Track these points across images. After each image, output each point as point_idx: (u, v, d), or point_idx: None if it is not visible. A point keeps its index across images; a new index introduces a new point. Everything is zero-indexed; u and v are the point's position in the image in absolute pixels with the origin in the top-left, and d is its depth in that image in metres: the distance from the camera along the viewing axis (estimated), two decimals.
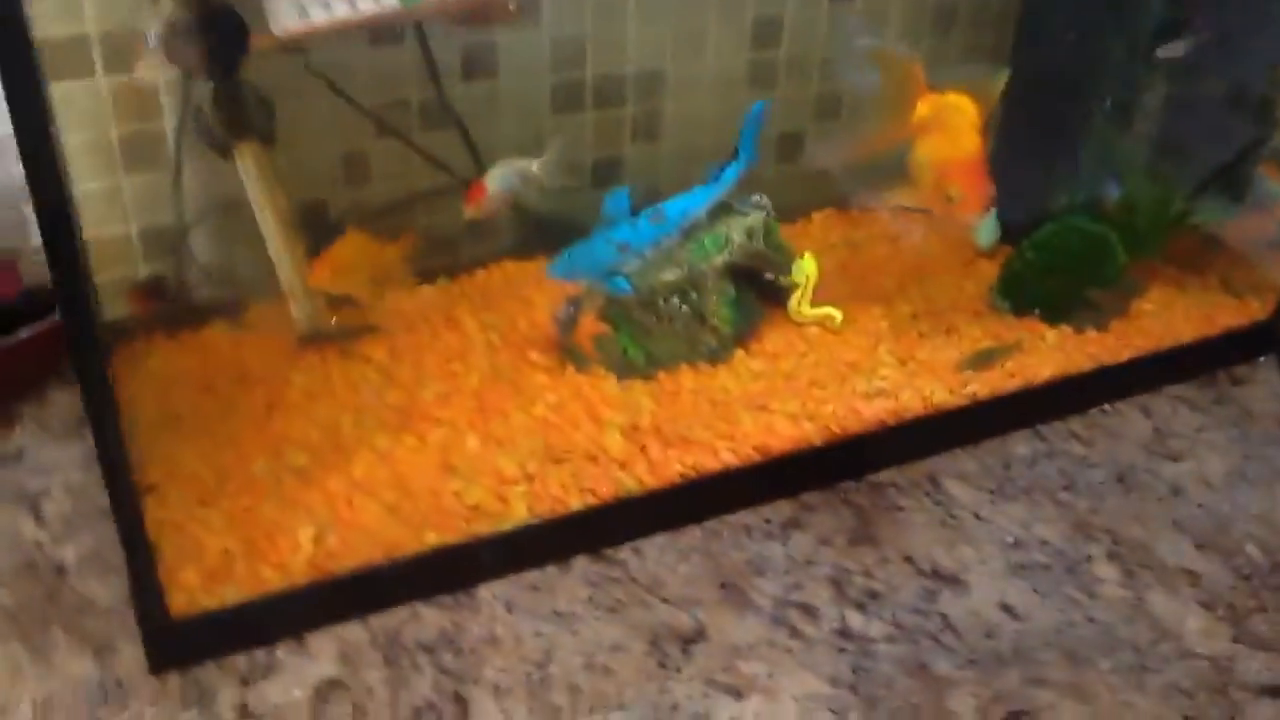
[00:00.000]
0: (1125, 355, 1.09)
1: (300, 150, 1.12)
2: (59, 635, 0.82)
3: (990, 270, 1.16)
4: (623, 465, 0.92)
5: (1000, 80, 0.99)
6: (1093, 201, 1.12)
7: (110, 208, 1.11)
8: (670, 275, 1.01)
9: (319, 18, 0.70)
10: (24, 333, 1.00)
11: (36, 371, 1.05)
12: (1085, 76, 1.11)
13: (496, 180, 0.98)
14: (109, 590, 0.86)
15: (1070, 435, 1.06)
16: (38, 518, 0.92)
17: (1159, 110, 1.15)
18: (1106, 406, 1.09)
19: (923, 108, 0.98)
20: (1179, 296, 1.16)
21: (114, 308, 1.11)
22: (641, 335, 1.02)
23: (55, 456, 0.98)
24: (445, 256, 1.18)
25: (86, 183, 1.09)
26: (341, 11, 0.69)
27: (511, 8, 0.81)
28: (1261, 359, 1.16)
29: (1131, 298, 1.14)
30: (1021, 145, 1.15)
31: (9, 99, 0.60)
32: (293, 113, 1.08)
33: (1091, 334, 1.10)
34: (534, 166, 0.97)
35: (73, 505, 0.93)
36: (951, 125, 0.97)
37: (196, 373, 1.02)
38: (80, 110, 1.06)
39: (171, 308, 1.09)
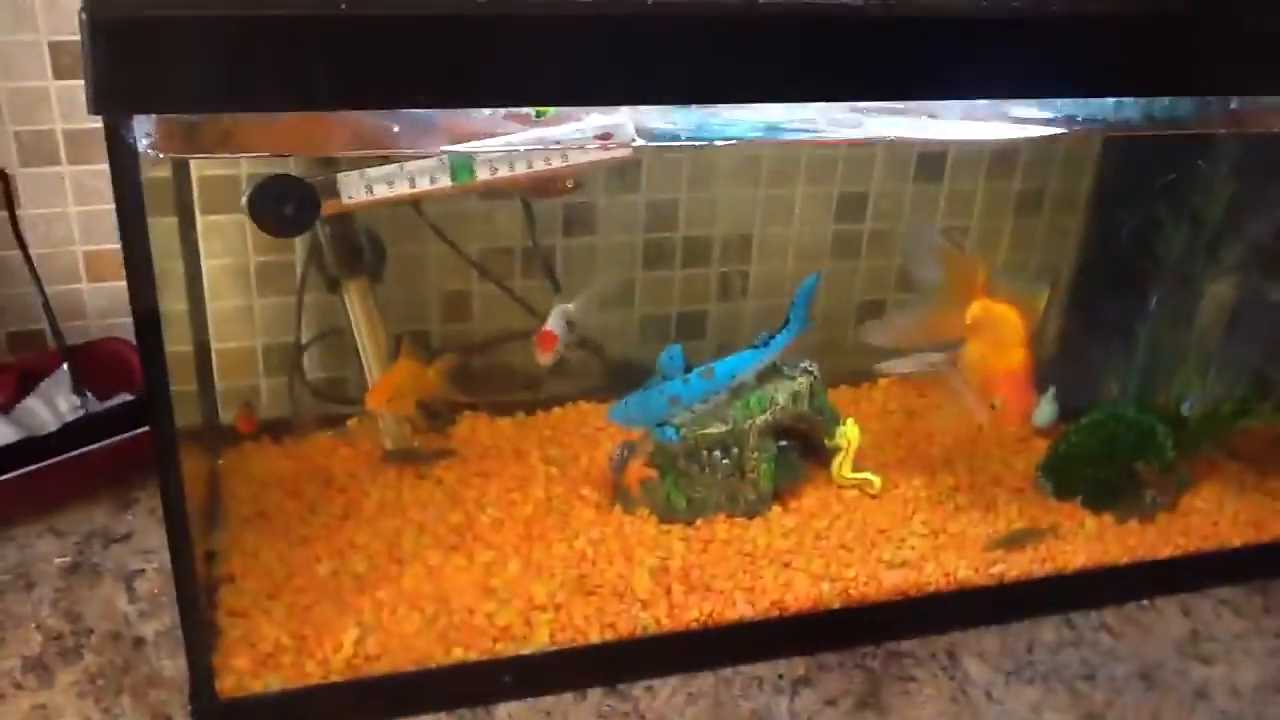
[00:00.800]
0: (1165, 551, 1.09)
1: (411, 287, 1.26)
2: (127, 701, 0.93)
3: (1042, 449, 1.18)
4: (645, 605, 0.99)
5: (1043, 296, 1.02)
6: (1146, 393, 1.14)
7: (242, 324, 1.26)
8: (715, 429, 1.08)
9: (381, 193, 0.82)
10: (146, 428, 1.14)
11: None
12: (1146, 270, 1.14)
13: (557, 325, 1.08)
14: (176, 666, 0.96)
15: (1102, 626, 1.06)
16: (131, 594, 1.04)
17: (1224, 309, 1.17)
18: (1146, 601, 1.09)
19: (975, 309, 1.02)
20: (1234, 496, 1.16)
21: (233, 413, 1.26)
22: (685, 483, 1.08)
23: (157, 540, 1.10)
24: (527, 394, 1.28)
25: (226, 300, 1.24)
26: (401, 188, 0.81)
27: (569, 184, 0.91)
28: None
29: (1182, 492, 1.14)
30: (1083, 330, 1.18)
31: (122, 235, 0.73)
32: (408, 254, 1.22)
33: (1134, 525, 1.11)
34: (571, 307, 1.08)
35: (162, 585, 1.05)
36: (999, 335, 1.01)
37: (290, 477, 1.14)
38: (227, 239, 1.21)
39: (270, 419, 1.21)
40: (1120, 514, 1.12)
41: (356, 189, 0.81)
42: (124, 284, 1.26)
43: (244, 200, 0.83)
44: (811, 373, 1.10)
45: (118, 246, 1.28)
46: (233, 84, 0.68)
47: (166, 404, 0.77)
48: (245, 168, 1.19)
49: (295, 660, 0.93)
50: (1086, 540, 1.09)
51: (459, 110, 0.73)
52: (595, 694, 0.96)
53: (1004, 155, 1.34)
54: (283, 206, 0.81)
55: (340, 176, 0.82)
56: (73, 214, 1.25)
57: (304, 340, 1.23)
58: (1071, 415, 1.18)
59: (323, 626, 0.95)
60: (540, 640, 0.96)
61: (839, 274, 1.36)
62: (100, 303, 1.30)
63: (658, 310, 1.34)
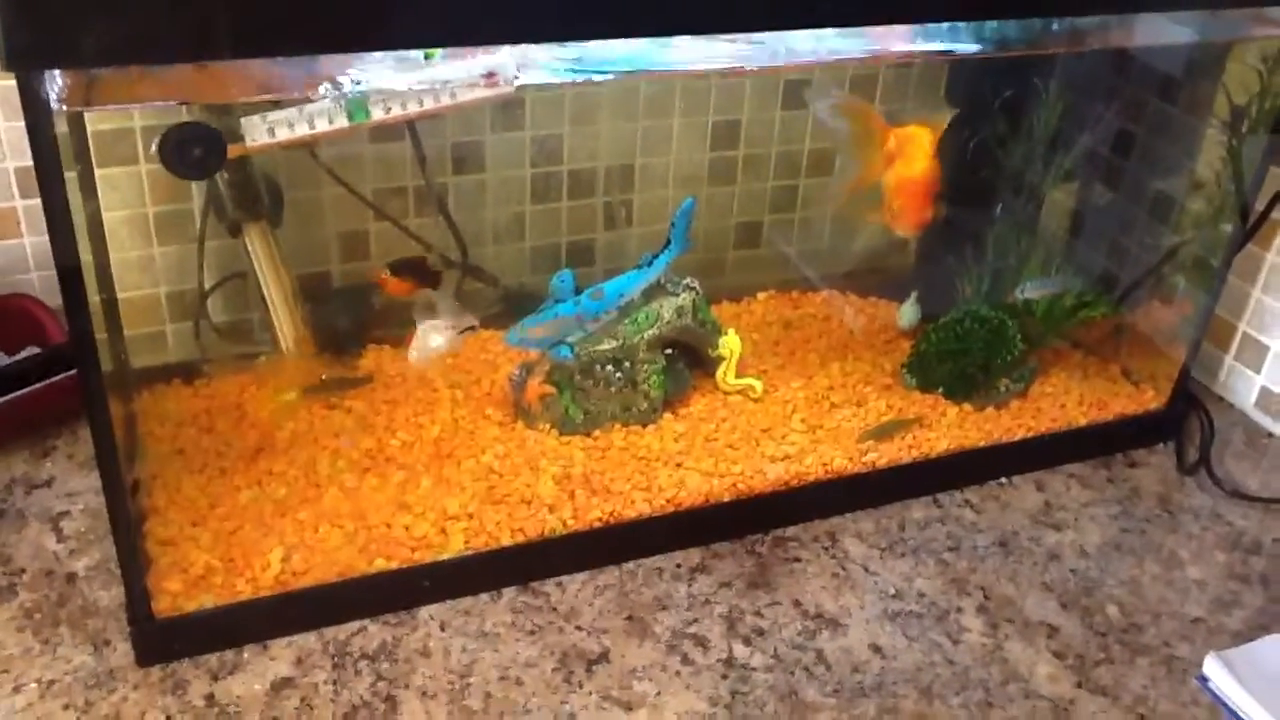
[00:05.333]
0: (1019, 434, 1.21)
1: (309, 229, 1.30)
2: (65, 631, 0.98)
3: (907, 349, 1.29)
4: (551, 509, 1.07)
5: (946, 116, 1.11)
6: (996, 293, 1.25)
7: (144, 273, 1.29)
8: (607, 346, 1.16)
9: (283, 135, 0.87)
10: (59, 377, 1.17)
11: (68, 411, 1.22)
12: (993, 183, 1.25)
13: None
14: (110, 596, 1.01)
15: (965, 503, 1.18)
16: (59, 534, 1.08)
17: (1063, 213, 1.28)
18: (1004, 479, 1.21)
19: (891, 141, 1.11)
20: (1079, 382, 1.28)
21: (143, 357, 1.29)
22: (582, 397, 1.16)
23: (79, 484, 1.14)
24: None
25: (126, 251, 1.27)
26: (301, 130, 0.86)
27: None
28: (1161, 445, 1.28)
29: (1032, 380, 1.26)
30: (940, 241, 1.28)
31: (41, 188, 0.77)
32: (305, 197, 1.26)
33: (990, 412, 1.23)
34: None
35: (88, 525, 1.09)
36: (908, 152, 1.10)
37: (202, 415, 1.18)
38: (123, 190, 1.24)
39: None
40: (978, 403, 1.23)
41: (259, 132, 0.86)
42: (15, 242, 1.30)
43: (154, 146, 0.87)
44: (694, 289, 1.19)
45: (9, 204, 1.31)
46: (134, 37, 0.72)
47: (93, 350, 0.81)
48: (138, 120, 1.23)
49: (226, 580, 0.99)
50: (948, 428, 1.20)
51: (352, 54, 0.79)
52: (509, 592, 1.04)
53: (865, 79, 1.43)
54: (191, 151, 0.86)
55: (243, 120, 0.87)
56: None
57: (207, 285, 1.27)
58: (934, 318, 1.29)
59: (249, 548, 1.01)
60: (455, 547, 1.03)
61: (717, 198, 1.45)
62: None
63: (547, 241, 1.41)
